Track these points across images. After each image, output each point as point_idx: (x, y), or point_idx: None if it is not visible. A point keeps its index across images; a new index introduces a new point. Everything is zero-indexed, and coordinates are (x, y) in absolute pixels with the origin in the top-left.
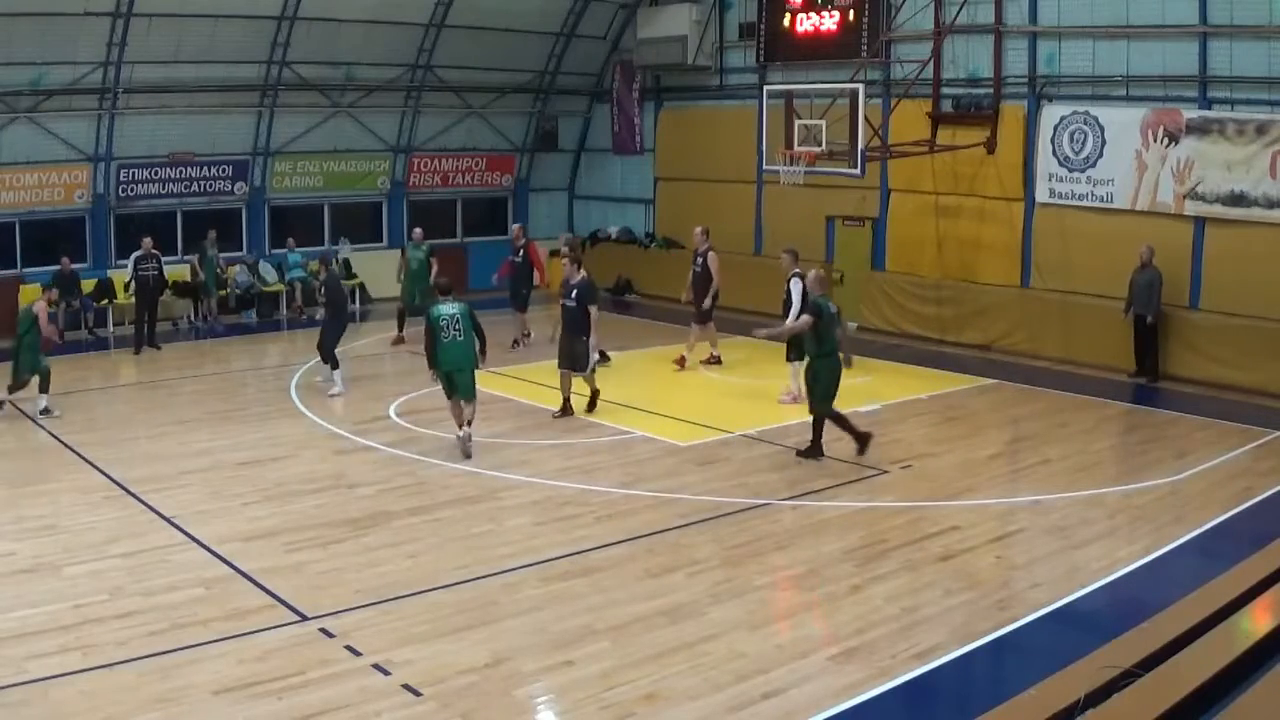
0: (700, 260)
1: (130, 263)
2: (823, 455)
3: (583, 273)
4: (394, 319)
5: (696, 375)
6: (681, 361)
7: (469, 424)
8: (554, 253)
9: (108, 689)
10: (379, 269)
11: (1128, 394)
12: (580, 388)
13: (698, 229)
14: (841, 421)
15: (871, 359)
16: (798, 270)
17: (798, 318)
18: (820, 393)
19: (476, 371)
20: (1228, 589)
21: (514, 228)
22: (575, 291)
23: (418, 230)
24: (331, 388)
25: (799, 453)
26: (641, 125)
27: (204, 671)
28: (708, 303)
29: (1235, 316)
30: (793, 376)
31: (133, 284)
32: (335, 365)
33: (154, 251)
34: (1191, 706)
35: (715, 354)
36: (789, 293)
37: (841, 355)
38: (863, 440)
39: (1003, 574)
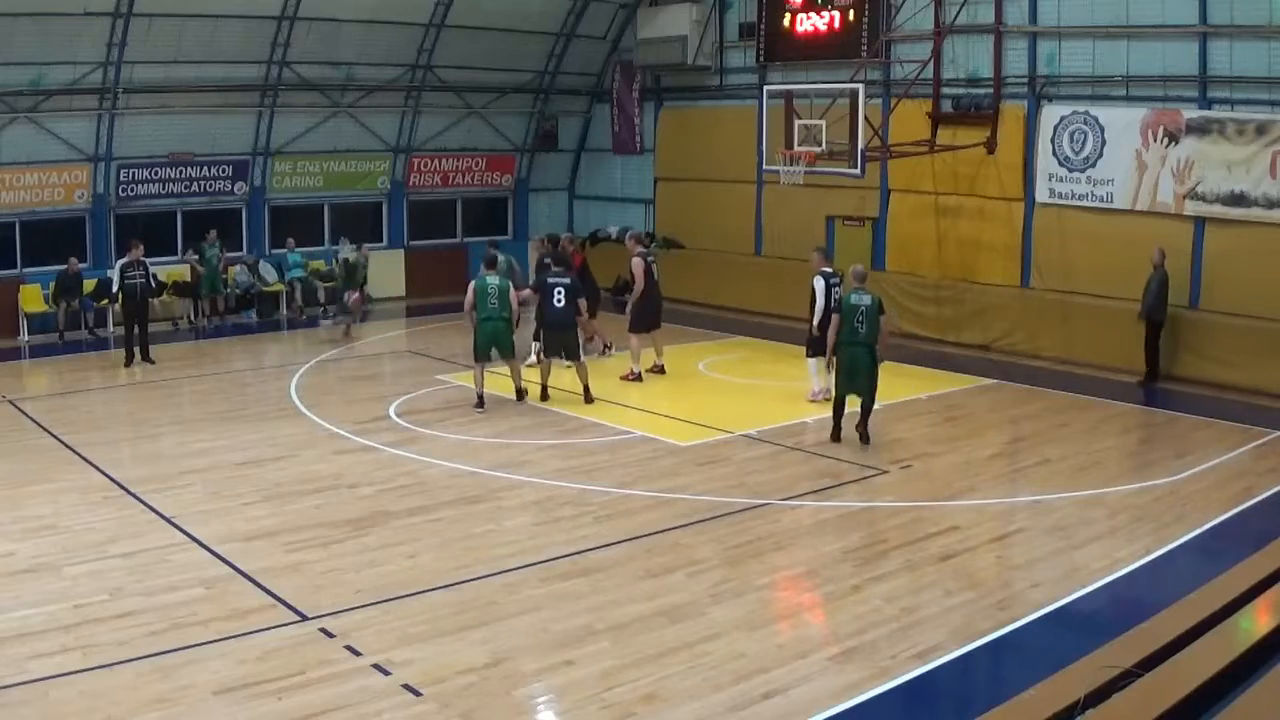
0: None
1: (117, 270)
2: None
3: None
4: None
5: (696, 375)
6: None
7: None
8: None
9: (108, 689)
10: (379, 269)
11: (1128, 394)
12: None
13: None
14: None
15: None
16: (824, 269)
17: (823, 314)
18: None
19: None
20: (1228, 589)
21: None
22: None
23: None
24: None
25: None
26: (641, 125)
27: (204, 671)
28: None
29: (1235, 316)
30: (814, 374)
31: (120, 293)
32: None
33: (142, 259)
34: (1191, 706)
35: (636, 370)
36: (813, 290)
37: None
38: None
39: (1003, 574)
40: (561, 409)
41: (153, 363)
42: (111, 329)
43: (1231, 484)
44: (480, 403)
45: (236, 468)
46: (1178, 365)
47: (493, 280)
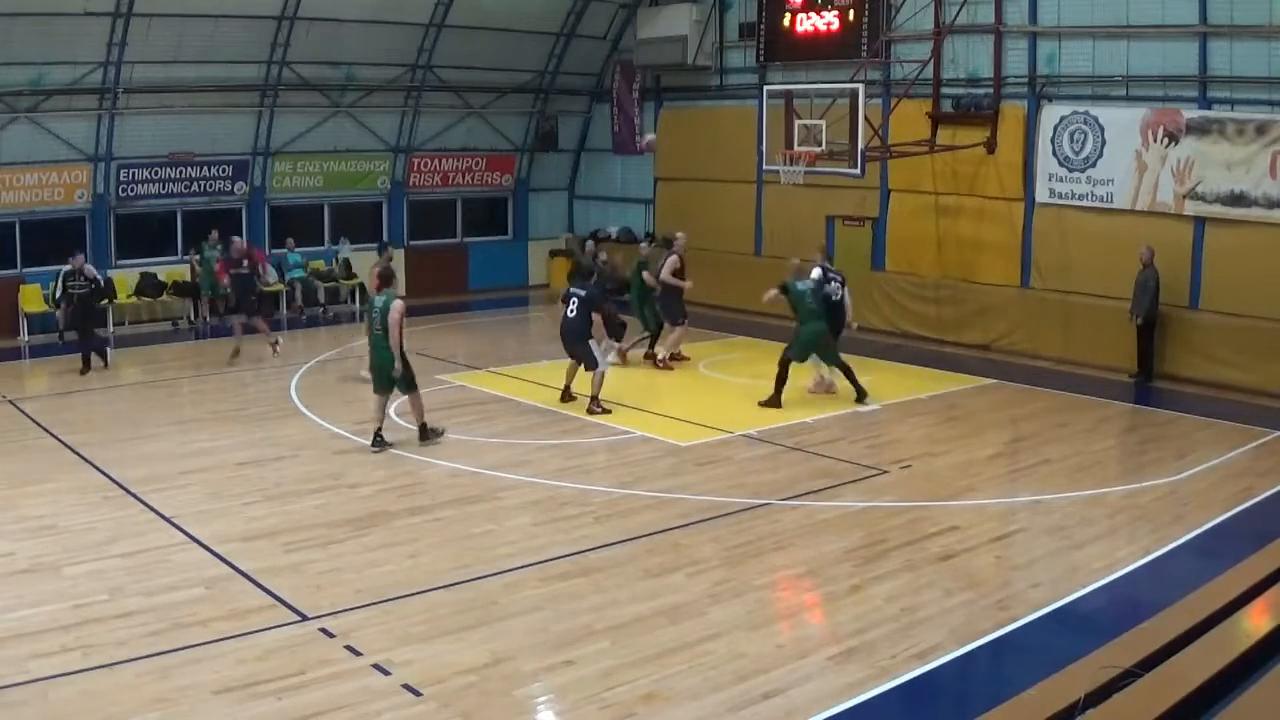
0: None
1: (59, 280)
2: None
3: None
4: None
5: (697, 375)
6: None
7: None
8: (554, 252)
9: (108, 689)
10: None
11: (1128, 394)
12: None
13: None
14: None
15: (871, 359)
16: (816, 261)
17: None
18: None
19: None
20: (1228, 589)
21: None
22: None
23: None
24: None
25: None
26: (641, 125)
27: (204, 671)
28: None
29: (1235, 316)
30: (816, 364)
31: (61, 301)
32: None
33: (83, 268)
34: (1191, 706)
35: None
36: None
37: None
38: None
39: (1003, 574)
40: (561, 409)
41: (106, 366)
42: (112, 328)
43: (1231, 484)
44: (376, 440)
45: (236, 468)
46: (1178, 365)
47: (378, 300)
